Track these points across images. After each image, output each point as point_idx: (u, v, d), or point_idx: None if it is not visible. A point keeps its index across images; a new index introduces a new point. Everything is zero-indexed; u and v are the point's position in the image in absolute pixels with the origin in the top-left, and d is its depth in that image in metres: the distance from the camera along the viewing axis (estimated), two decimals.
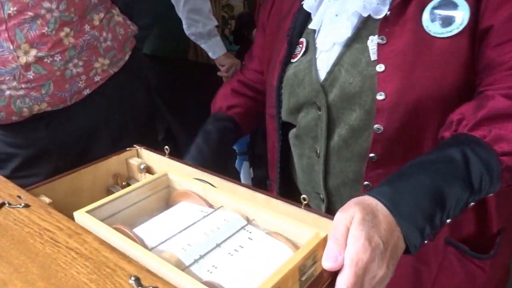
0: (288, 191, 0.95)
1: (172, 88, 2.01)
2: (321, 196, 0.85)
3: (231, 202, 0.65)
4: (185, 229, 0.61)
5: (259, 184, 1.64)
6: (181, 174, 0.73)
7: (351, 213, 0.52)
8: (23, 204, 0.56)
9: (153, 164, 0.83)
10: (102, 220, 0.65)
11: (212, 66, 1.97)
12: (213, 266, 0.54)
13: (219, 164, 0.97)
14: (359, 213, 0.52)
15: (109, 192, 0.81)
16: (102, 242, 0.49)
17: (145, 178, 0.80)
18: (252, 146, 2.12)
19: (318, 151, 0.82)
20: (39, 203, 0.57)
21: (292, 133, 0.91)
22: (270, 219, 0.61)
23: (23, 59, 0.96)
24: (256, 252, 0.58)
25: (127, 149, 0.83)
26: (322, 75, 0.80)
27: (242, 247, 0.59)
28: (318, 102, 0.80)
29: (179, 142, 2.20)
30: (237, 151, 2.42)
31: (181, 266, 0.54)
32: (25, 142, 1.12)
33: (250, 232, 0.61)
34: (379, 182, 0.78)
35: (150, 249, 0.56)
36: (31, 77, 0.99)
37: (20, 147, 1.13)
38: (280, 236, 0.60)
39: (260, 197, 0.66)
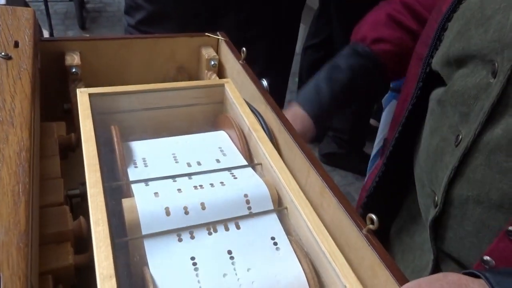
0: (398, 168, 0.66)
1: None
2: (436, 198, 0.56)
3: (272, 165, 0.42)
4: (186, 175, 0.41)
5: None
6: (238, 97, 0.51)
7: None
8: (3, 54, 0.42)
9: (227, 64, 0.61)
10: (111, 114, 0.49)
11: None
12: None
13: (339, 112, 0.74)
14: None
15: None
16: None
17: (210, 78, 0.60)
18: None
19: (460, 137, 0.51)
20: (27, 61, 0.42)
21: (436, 93, 0.59)
22: (307, 226, 0.37)
23: None
24: (258, 262, 0.36)
25: (206, 33, 0.62)
26: None
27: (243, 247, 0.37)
28: (497, 62, 0.46)
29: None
30: (390, 85, 2.04)
31: (135, 230, 0.36)
32: None
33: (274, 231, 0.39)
34: None
35: (108, 184, 0.38)
36: None
37: (146, 0, 1.02)
38: (304, 259, 0.36)
39: (315, 178, 0.41)
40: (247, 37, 1.05)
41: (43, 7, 2.49)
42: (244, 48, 0.56)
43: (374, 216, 0.35)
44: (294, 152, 0.45)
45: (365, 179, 0.75)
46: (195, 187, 0.40)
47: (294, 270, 0.36)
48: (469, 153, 0.50)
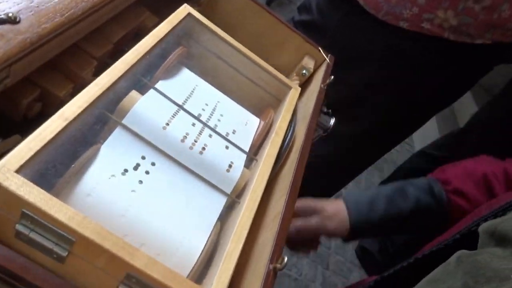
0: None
1: None
2: None
3: (259, 167, 0.43)
4: (197, 119, 0.44)
5: None
6: (291, 105, 0.53)
7: None
8: None
9: (315, 82, 0.63)
10: (191, 39, 0.53)
11: None
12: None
13: (383, 235, 0.71)
14: None
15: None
16: None
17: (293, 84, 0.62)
18: None
19: None
20: None
21: (462, 251, 0.54)
22: (235, 225, 0.38)
23: None
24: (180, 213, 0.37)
25: (319, 48, 0.64)
26: None
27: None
28: None
29: None
30: None
31: (120, 115, 0.39)
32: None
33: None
34: None
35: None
36: None
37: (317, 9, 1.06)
38: (212, 239, 0.37)
39: (281, 205, 0.42)
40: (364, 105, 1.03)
41: None
42: (332, 76, 0.57)
43: (285, 258, 0.35)
44: (286, 174, 0.46)
45: None
46: (193, 124, 0.43)
47: (196, 242, 0.37)
48: None
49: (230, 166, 0.42)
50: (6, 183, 0.28)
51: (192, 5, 0.57)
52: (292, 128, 0.51)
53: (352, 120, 1.05)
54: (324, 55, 0.64)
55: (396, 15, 0.88)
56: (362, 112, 1.05)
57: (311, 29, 1.06)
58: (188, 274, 0.35)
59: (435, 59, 0.93)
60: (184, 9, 0.51)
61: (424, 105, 1.04)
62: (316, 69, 0.65)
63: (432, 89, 0.99)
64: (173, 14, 0.49)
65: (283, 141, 0.48)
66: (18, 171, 0.29)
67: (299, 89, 0.56)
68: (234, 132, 0.47)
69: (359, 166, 1.29)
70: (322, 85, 0.58)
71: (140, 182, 0.37)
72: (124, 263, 0.30)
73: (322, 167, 1.11)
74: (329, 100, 0.94)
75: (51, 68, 0.38)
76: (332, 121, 0.64)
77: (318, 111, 0.54)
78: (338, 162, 1.16)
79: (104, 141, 0.37)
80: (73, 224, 0.29)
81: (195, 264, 0.35)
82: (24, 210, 0.29)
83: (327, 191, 1.30)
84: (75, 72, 0.40)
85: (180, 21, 0.49)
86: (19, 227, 0.29)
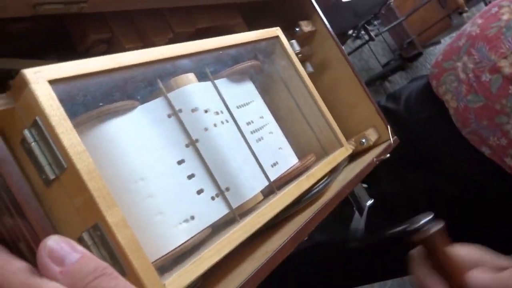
0: None
1: None
2: None
3: (273, 201, 0.41)
4: (238, 128, 0.43)
5: None
6: (335, 160, 0.50)
7: None
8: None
9: (369, 155, 0.60)
10: (273, 61, 0.54)
11: None
12: None
13: None
14: None
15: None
16: None
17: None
18: None
19: None
20: None
21: None
22: (218, 239, 0.36)
23: None
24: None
25: (389, 127, 0.62)
26: None
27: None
28: None
29: None
30: None
31: (170, 87, 0.39)
32: None
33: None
34: None
35: None
36: None
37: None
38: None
39: (270, 248, 0.38)
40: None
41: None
42: (388, 155, 0.54)
43: None
44: (297, 221, 0.43)
45: None
46: (231, 132, 0.42)
47: (178, 236, 0.35)
48: None
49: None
50: (33, 86, 0.29)
51: (287, 33, 0.58)
52: (325, 183, 0.48)
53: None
54: (390, 134, 0.62)
55: (482, 138, 0.83)
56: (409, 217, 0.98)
57: (392, 117, 1.03)
58: (155, 261, 0.33)
59: (507, 199, 0.85)
60: (275, 31, 0.52)
61: (477, 241, 0.95)
62: (376, 144, 0.62)
63: (493, 229, 0.90)
64: (263, 30, 0.50)
65: (311, 189, 0.46)
66: (51, 82, 0.30)
67: (350, 151, 0.53)
68: (266, 158, 0.46)
69: (383, 272, 1.20)
70: (374, 159, 0.55)
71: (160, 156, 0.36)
72: (98, 212, 0.29)
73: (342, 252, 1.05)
74: (382, 190, 0.88)
75: (130, 20, 0.39)
76: (369, 202, 0.61)
77: (358, 180, 0.51)
78: (361, 256, 1.09)
79: (143, 103, 0.38)
80: (71, 151, 0.29)
81: (165, 254, 0.33)
82: (37, 119, 0.29)
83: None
84: (149, 34, 0.41)
85: (267, 39, 0.50)
86: (26, 132, 0.29)
